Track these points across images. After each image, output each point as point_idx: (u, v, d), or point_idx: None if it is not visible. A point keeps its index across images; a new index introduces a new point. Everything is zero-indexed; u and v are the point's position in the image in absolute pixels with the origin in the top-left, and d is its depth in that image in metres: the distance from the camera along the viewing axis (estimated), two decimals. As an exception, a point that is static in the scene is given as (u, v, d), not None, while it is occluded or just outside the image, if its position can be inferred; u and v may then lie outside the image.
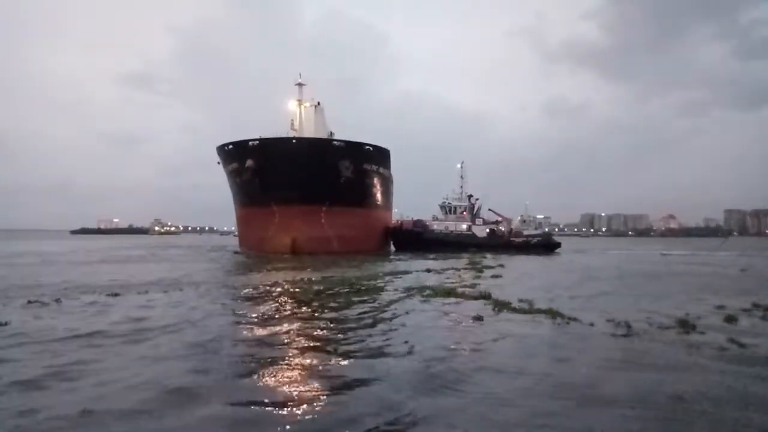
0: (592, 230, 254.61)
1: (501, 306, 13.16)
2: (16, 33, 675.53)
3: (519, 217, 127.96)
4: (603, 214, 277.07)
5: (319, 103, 51.26)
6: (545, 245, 54.08)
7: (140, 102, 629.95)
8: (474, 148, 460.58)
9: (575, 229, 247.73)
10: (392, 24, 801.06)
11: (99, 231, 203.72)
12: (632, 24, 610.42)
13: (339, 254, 39.36)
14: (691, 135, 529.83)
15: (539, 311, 12.11)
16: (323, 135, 47.74)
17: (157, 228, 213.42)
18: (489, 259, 36.38)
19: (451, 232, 52.81)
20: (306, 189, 41.47)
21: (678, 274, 26.36)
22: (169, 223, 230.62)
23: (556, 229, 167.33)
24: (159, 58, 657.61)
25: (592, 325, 10.85)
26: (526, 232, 61.74)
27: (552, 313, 11.73)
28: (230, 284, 19.26)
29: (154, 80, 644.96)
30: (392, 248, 52.77)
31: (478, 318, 11.59)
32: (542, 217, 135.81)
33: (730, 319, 11.68)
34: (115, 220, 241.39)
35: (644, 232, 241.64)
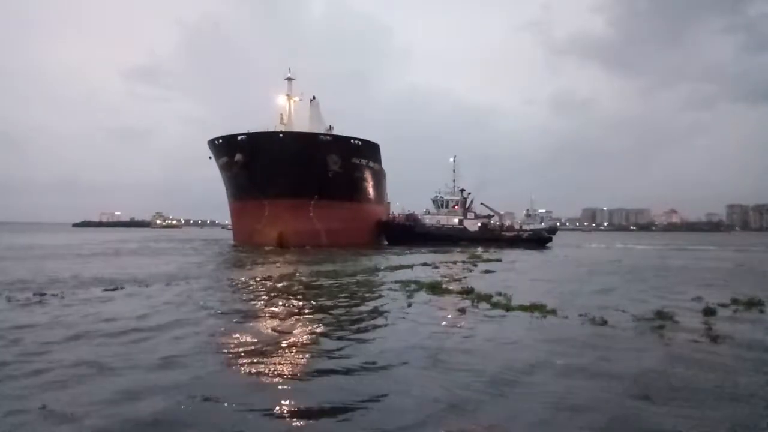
0: (593, 225, 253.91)
1: (481, 300, 13.28)
2: (21, 28, 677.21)
3: (524, 211, 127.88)
4: (605, 209, 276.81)
5: (314, 97, 51.01)
6: (536, 239, 54.13)
7: (145, 96, 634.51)
8: (478, 141, 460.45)
9: (576, 224, 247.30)
10: (398, 17, 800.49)
11: (101, 224, 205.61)
12: (640, 17, 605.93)
13: (328, 247, 39.55)
14: (696, 130, 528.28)
15: (522, 307, 12.14)
16: (320, 129, 47.54)
17: (158, 221, 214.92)
18: (480, 253, 36.30)
19: (443, 225, 52.92)
20: (294, 183, 41.72)
21: (672, 269, 26.06)
22: (171, 217, 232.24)
23: (558, 224, 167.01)
24: (164, 52, 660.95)
25: (566, 317, 11.00)
26: (531, 226, 61.71)
27: (532, 308, 11.84)
28: (222, 278, 19.25)
29: (158, 74, 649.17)
30: (385, 242, 52.89)
31: (461, 311, 11.84)
32: (543, 211, 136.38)
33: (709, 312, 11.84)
34: (117, 213, 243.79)
35: (646, 227, 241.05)
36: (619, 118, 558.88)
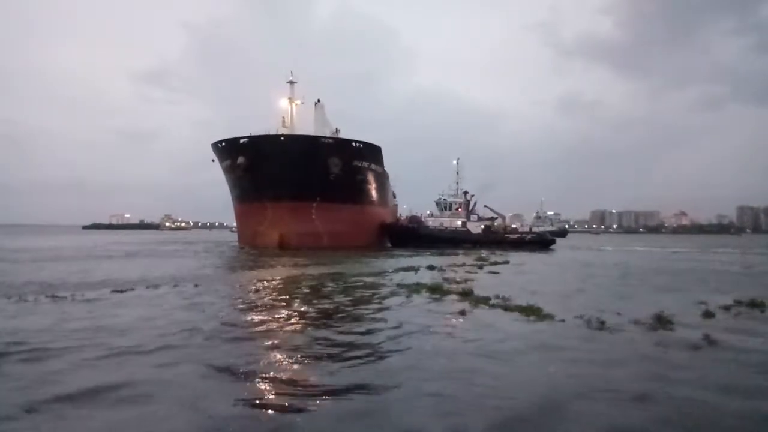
0: (602, 227, 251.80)
1: (479, 303, 13.22)
2: (30, 31, 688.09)
3: (534, 213, 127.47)
4: (614, 211, 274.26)
5: (318, 101, 51.10)
6: (540, 242, 53.83)
7: (153, 98, 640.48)
8: (484, 142, 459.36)
9: (585, 226, 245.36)
10: (405, 19, 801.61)
11: (110, 226, 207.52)
12: (647, 19, 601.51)
13: (331, 249, 39.36)
14: (705, 131, 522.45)
15: (519, 308, 12.07)
16: (326, 132, 47.62)
17: (167, 223, 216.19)
18: (485, 255, 35.98)
19: (446, 228, 52.75)
20: (296, 185, 41.97)
21: (676, 272, 25.80)
22: (180, 219, 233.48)
23: (567, 226, 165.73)
24: (173, 55, 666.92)
25: (563, 321, 10.86)
26: (541, 229, 61.21)
27: (529, 311, 11.72)
28: (227, 280, 19.37)
29: (167, 77, 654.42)
30: (388, 244, 52.79)
31: (461, 312, 11.83)
32: (552, 213, 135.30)
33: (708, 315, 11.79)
34: (127, 215, 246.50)
35: (655, 229, 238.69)
36: (627, 119, 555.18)
